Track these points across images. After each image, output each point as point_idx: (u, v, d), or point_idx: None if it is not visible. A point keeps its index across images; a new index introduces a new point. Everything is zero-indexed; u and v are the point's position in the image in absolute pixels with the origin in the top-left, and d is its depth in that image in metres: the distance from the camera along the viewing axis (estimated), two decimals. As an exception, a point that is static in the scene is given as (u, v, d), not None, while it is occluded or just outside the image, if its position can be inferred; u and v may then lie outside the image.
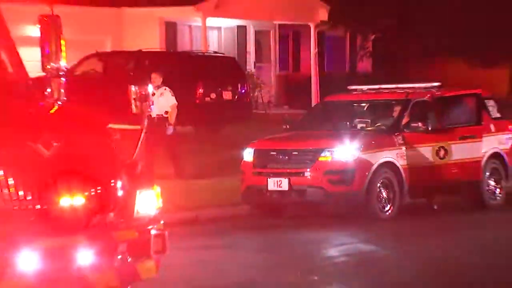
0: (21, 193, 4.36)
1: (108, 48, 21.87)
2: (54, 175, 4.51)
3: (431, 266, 9.05)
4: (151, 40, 21.73)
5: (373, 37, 27.65)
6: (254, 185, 12.21)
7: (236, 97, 19.39)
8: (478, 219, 12.29)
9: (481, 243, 10.33)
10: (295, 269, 8.92)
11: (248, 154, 12.36)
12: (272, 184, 11.83)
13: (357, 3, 26.30)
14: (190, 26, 24.17)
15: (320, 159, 11.90)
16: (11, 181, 4.29)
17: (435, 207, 12.93)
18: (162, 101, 13.69)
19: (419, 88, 13.45)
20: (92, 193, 4.74)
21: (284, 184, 11.84)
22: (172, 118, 13.93)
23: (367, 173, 11.71)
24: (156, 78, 14.02)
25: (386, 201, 11.92)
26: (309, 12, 24.81)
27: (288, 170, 12.07)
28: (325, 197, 11.93)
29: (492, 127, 13.33)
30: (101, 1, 22.47)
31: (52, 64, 5.43)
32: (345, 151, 11.81)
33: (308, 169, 11.90)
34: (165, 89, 13.92)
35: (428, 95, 12.95)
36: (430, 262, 9.24)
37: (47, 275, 4.40)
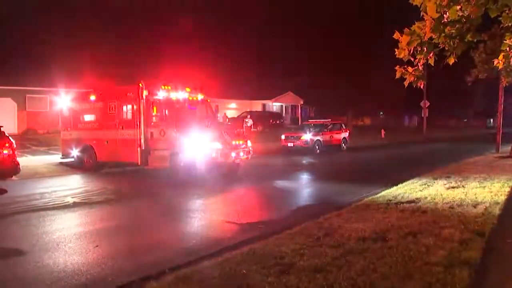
0: (233, 141, 17.25)
1: (247, 110, 46.53)
2: (238, 136, 17.68)
3: (331, 163, 23.08)
4: (258, 108, 44.47)
5: (314, 108, 52.99)
6: (284, 145, 29.00)
7: (279, 122, 41.09)
8: (339, 153, 29.65)
9: (343, 159, 26.26)
10: (294, 166, 20.83)
11: (282, 136, 29.74)
12: (289, 144, 28.83)
13: (309, 101, 51.02)
14: (269, 104, 47.31)
15: (301, 138, 28.34)
16: (229, 137, 17.19)
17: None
18: (249, 123, 31.53)
19: (326, 120, 31.84)
20: (243, 140, 17.69)
21: (292, 144, 28.63)
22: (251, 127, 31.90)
23: (313, 141, 28.27)
24: (247, 116, 34.55)
25: (317, 147, 28.58)
26: (297, 101, 50.44)
27: (293, 141, 28.53)
28: (302, 148, 27.96)
29: (343, 130, 31.90)
30: (246, 97, 44.17)
31: (218, 115, 20.49)
32: (307, 136, 28.38)
33: (298, 140, 28.43)
34: (249, 119, 35.37)
35: (328, 122, 31.36)
36: (327, 161, 24.03)
37: (236, 158, 17.29)
